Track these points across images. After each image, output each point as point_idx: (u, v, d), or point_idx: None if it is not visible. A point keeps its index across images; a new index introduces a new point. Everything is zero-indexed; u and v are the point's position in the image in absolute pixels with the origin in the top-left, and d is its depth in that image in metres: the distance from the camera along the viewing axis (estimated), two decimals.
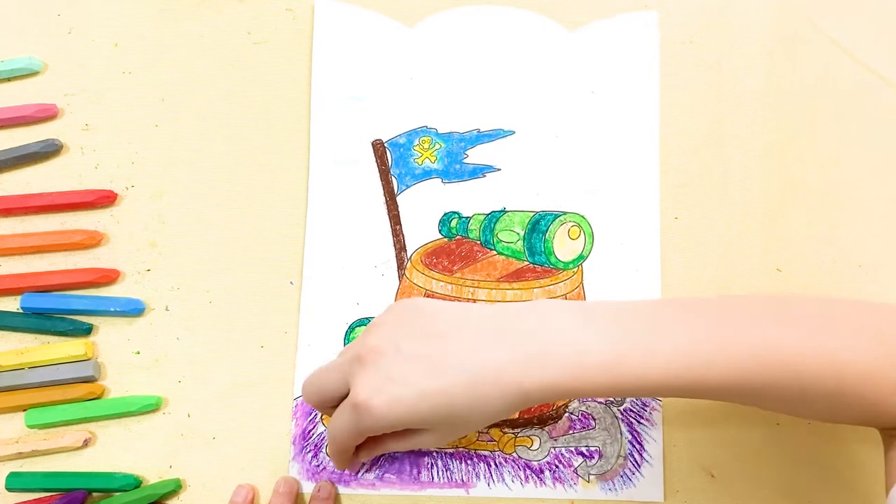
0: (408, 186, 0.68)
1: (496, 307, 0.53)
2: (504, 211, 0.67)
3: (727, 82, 0.69)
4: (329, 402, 0.55)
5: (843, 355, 0.48)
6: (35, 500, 0.64)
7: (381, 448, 0.58)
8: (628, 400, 0.65)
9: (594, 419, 0.65)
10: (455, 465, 0.64)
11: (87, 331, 0.66)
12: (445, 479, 0.64)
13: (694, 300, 0.53)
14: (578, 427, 0.65)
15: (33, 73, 0.69)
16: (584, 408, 0.65)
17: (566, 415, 0.65)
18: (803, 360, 0.48)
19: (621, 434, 0.65)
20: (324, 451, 0.64)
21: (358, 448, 0.58)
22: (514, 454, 0.65)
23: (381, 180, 0.68)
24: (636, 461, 0.64)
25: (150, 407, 0.65)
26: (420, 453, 0.64)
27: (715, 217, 0.67)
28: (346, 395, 0.53)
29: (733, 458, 0.65)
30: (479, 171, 0.68)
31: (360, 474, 0.64)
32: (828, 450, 0.65)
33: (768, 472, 0.64)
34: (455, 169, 0.68)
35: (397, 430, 0.52)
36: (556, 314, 0.51)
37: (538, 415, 0.65)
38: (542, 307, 0.52)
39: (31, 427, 0.65)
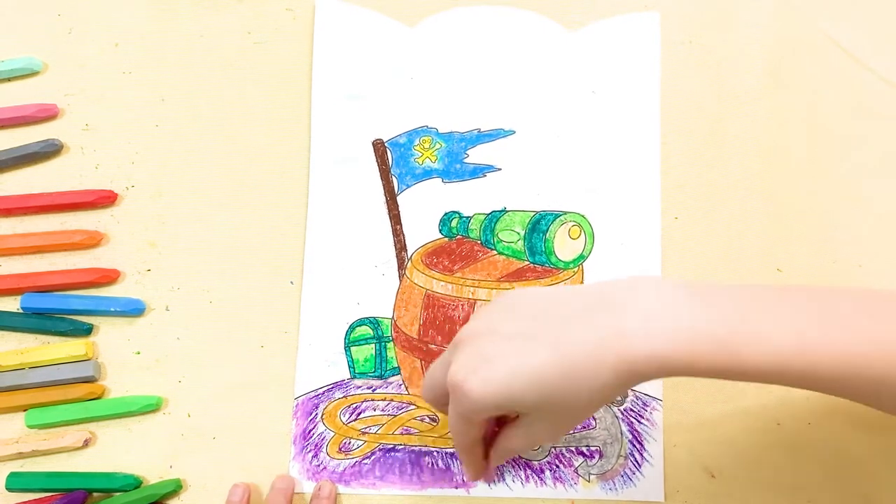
0: (408, 186, 0.68)
1: (593, 285, 0.51)
2: (504, 211, 0.67)
3: (727, 82, 0.69)
4: (442, 398, 0.54)
5: None
6: (35, 500, 0.64)
7: (502, 446, 0.56)
8: (629, 400, 0.65)
9: (595, 419, 0.65)
10: (455, 464, 0.64)
11: (87, 331, 0.66)
12: (446, 479, 0.64)
13: (803, 287, 0.52)
14: (579, 427, 0.65)
15: (33, 73, 0.69)
16: None
17: None
18: None
19: (622, 434, 0.65)
20: (324, 450, 0.65)
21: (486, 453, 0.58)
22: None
23: (382, 180, 0.68)
24: (637, 461, 0.64)
25: (151, 407, 0.65)
26: (421, 453, 0.64)
27: (715, 217, 0.67)
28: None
29: (733, 458, 0.65)
30: (480, 171, 0.68)
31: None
32: (828, 449, 0.65)
33: (768, 472, 0.64)
34: (455, 169, 0.68)
35: (500, 413, 0.52)
36: (660, 289, 0.48)
37: None
38: (645, 282, 0.49)
39: (31, 427, 0.65)
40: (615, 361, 0.46)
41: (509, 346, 0.48)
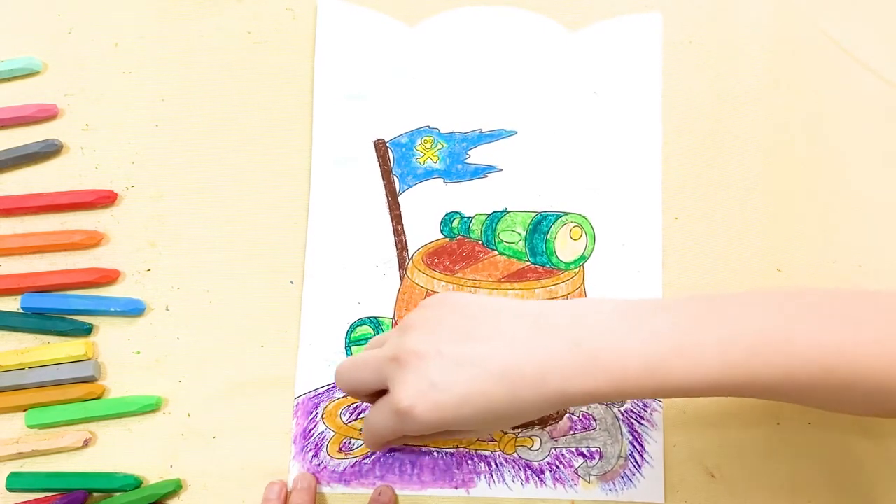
0: (409, 186, 0.68)
1: (536, 307, 0.52)
2: (506, 211, 0.67)
3: (727, 82, 0.69)
4: (362, 395, 0.56)
5: (889, 350, 0.47)
6: (35, 500, 0.64)
7: (420, 440, 0.59)
8: (629, 401, 0.65)
9: (595, 420, 0.65)
10: (455, 464, 0.64)
11: (87, 331, 0.66)
12: (446, 479, 0.64)
13: (731, 296, 0.52)
14: (579, 427, 0.65)
15: (33, 73, 0.69)
16: (584, 408, 0.65)
17: (567, 415, 0.65)
18: (846, 355, 0.47)
19: (622, 435, 0.65)
20: (325, 449, 0.65)
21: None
22: (515, 454, 0.65)
23: (383, 180, 0.68)
24: (637, 462, 0.64)
25: (151, 407, 0.65)
26: (420, 453, 0.65)
27: (715, 217, 0.67)
28: (380, 391, 0.53)
29: (733, 458, 0.65)
30: (481, 172, 0.68)
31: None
32: (828, 449, 0.65)
33: (768, 472, 0.64)
34: (457, 169, 0.68)
35: (439, 431, 0.52)
36: (597, 315, 0.50)
37: None
38: (584, 308, 0.51)
39: (31, 427, 0.65)
40: (554, 393, 0.49)
41: (458, 372, 0.49)
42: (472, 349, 0.50)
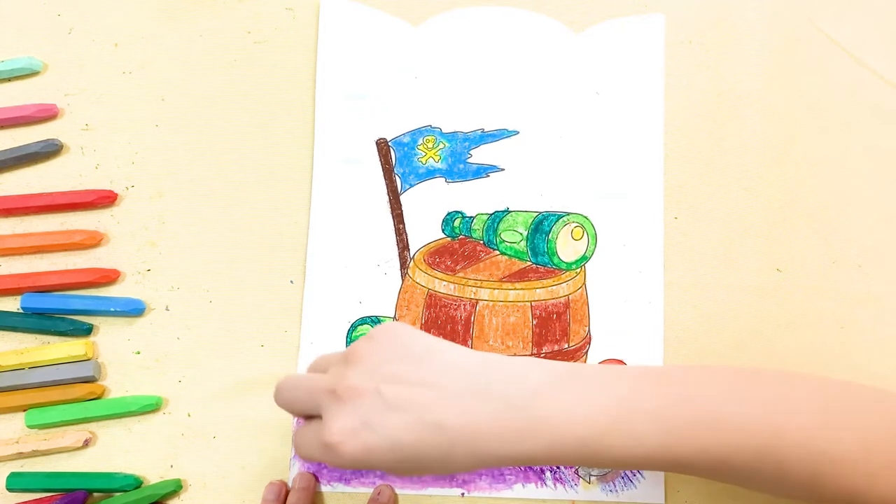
0: (411, 185, 0.68)
1: (480, 359, 0.50)
2: (507, 211, 0.67)
3: (727, 82, 0.69)
4: (297, 414, 0.55)
5: (821, 440, 0.47)
6: (35, 500, 0.64)
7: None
8: None
9: None
10: None
11: (87, 331, 0.66)
12: (446, 479, 0.64)
13: (680, 370, 0.51)
14: None
15: (33, 73, 0.69)
16: None
17: None
18: (780, 441, 0.47)
19: None
20: None
21: None
22: None
23: (385, 179, 0.68)
24: None
25: (151, 407, 0.65)
26: None
27: (715, 217, 0.67)
28: (314, 415, 0.52)
29: None
30: (483, 171, 0.68)
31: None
32: None
33: None
34: (459, 168, 0.68)
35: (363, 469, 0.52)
36: (540, 378, 0.49)
37: None
38: (527, 368, 0.50)
39: (31, 427, 0.65)
40: (487, 456, 0.48)
41: (393, 417, 0.48)
42: (410, 394, 0.48)
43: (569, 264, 0.66)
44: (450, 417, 0.47)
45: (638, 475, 0.64)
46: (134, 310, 0.66)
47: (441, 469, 0.49)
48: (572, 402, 0.48)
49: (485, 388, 0.48)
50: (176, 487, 0.64)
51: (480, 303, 0.65)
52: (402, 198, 0.67)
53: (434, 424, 0.47)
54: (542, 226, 0.66)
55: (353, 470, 0.64)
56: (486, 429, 0.47)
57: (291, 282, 0.67)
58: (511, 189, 0.67)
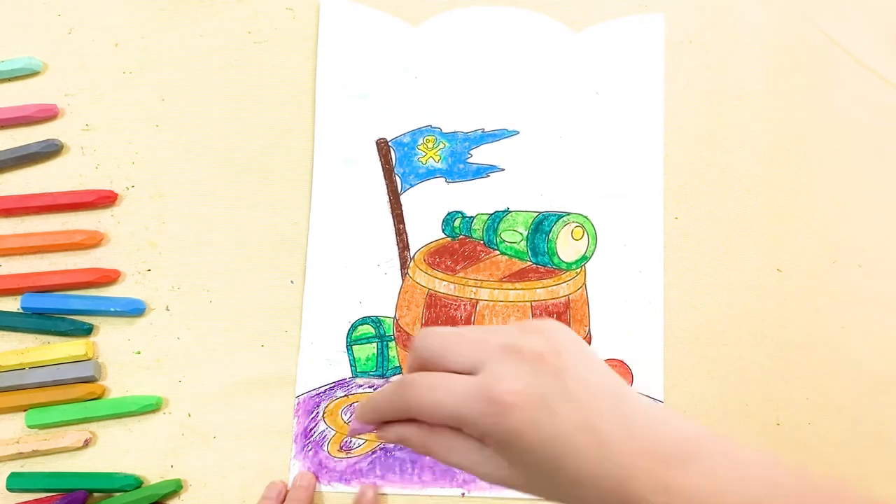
0: (411, 185, 0.68)
1: (658, 419, 0.42)
2: (507, 211, 0.67)
3: (727, 82, 0.69)
4: (439, 368, 0.44)
5: None
6: (36, 500, 0.64)
7: (421, 447, 0.45)
8: None
9: None
10: None
11: (87, 331, 0.66)
12: (446, 479, 0.64)
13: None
14: None
15: (33, 73, 0.69)
16: None
17: None
18: None
19: None
20: (325, 449, 0.65)
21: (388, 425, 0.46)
22: None
23: (385, 179, 0.68)
24: None
25: (151, 407, 0.65)
26: None
27: (715, 217, 0.67)
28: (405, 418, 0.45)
29: None
30: (483, 171, 0.68)
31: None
32: (828, 450, 0.65)
33: None
34: (459, 168, 0.68)
35: (490, 447, 0.43)
36: (710, 460, 0.41)
37: None
38: (705, 445, 0.42)
39: (31, 427, 0.65)
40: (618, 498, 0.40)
41: (568, 408, 0.41)
42: (588, 397, 0.41)
43: (569, 264, 0.66)
44: (612, 465, 0.40)
45: None
46: (134, 310, 0.66)
47: (557, 495, 0.42)
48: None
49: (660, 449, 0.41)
50: (176, 487, 0.64)
51: (480, 303, 0.65)
52: (402, 198, 0.67)
53: (597, 443, 0.41)
54: (542, 226, 0.66)
55: (353, 469, 0.64)
56: (635, 477, 0.40)
57: (291, 282, 0.67)
58: (511, 189, 0.67)
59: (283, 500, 0.63)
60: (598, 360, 0.43)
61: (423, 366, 0.45)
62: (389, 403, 0.45)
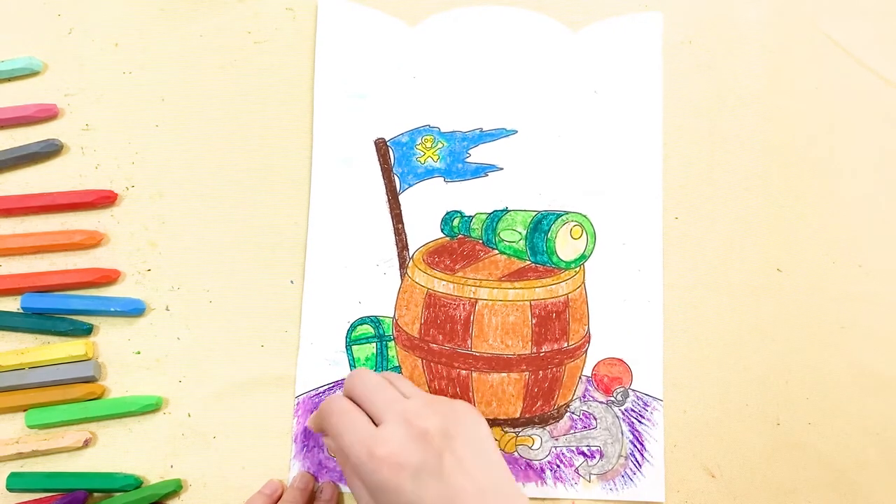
0: (410, 185, 0.68)
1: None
2: (506, 210, 0.67)
3: (727, 82, 0.69)
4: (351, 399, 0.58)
5: None
6: (36, 500, 0.64)
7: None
8: (629, 400, 0.65)
9: (595, 419, 0.65)
10: None
11: (87, 331, 0.66)
12: None
13: None
14: (580, 427, 0.65)
15: (33, 73, 0.69)
16: (585, 407, 0.65)
17: (567, 414, 0.65)
18: None
19: (622, 434, 0.65)
20: (325, 449, 0.65)
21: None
22: (515, 453, 0.65)
23: (384, 179, 0.68)
24: (637, 461, 0.64)
25: (151, 407, 0.65)
26: None
27: (715, 217, 0.67)
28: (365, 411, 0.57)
29: (733, 458, 0.65)
30: (482, 171, 0.68)
31: None
32: (828, 450, 0.65)
33: (768, 472, 0.65)
34: (457, 168, 0.68)
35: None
36: None
37: (539, 414, 0.65)
38: None
39: (31, 427, 0.65)
40: None
41: (434, 485, 0.52)
42: (459, 484, 0.52)
43: (568, 263, 0.66)
44: None
45: (638, 473, 0.64)
46: (134, 310, 0.66)
47: None
48: None
49: None
50: (176, 487, 0.64)
51: (480, 302, 0.65)
52: (400, 197, 0.67)
53: None
54: (541, 225, 0.66)
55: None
56: None
57: (291, 282, 0.67)
58: (510, 188, 0.67)
59: (278, 499, 0.63)
60: (490, 452, 0.55)
61: (350, 397, 0.58)
62: (317, 417, 0.60)
